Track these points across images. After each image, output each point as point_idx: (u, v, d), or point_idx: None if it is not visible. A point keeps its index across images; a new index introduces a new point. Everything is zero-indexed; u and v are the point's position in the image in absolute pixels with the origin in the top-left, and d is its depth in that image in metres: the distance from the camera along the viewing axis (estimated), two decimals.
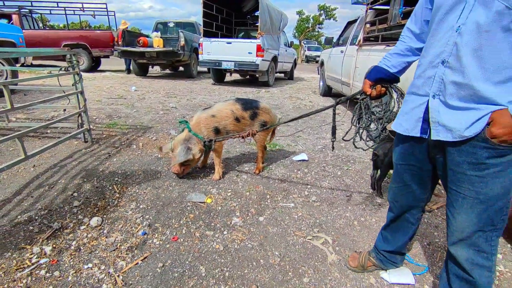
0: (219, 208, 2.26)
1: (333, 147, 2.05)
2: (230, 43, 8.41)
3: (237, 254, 1.78)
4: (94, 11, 11.62)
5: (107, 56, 11.28)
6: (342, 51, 5.81)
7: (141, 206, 2.25)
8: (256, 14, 9.94)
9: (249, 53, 8.07)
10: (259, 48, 7.90)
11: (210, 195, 2.42)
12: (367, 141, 1.72)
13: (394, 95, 1.51)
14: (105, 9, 11.17)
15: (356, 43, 5.00)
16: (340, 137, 1.91)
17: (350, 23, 6.23)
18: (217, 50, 8.36)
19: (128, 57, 10.03)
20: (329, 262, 1.76)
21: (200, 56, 8.66)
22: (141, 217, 2.11)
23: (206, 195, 2.42)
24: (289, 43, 11.36)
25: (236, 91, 8.00)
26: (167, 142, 3.07)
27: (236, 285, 1.56)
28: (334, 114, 1.85)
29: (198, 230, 1.99)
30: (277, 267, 1.70)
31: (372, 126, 1.65)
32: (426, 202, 1.47)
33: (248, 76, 10.36)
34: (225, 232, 1.98)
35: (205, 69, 12.11)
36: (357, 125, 1.69)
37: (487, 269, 1.20)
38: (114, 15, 11.47)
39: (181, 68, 11.20)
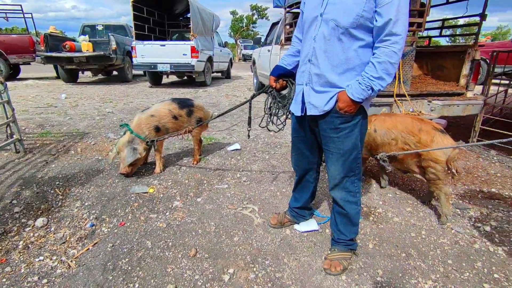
0: (161, 195, 2.55)
1: (248, 136, 2.47)
2: (164, 45, 8.47)
3: (178, 229, 2.11)
4: (6, 12, 10.52)
5: (28, 63, 10.37)
6: (269, 50, 6.38)
7: (86, 204, 2.42)
8: (188, 16, 10.11)
9: (184, 54, 8.25)
10: (193, 50, 8.14)
11: (152, 186, 2.69)
12: (278, 124, 2.16)
13: (292, 86, 1.97)
14: (21, 11, 10.22)
15: (279, 43, 5.58)
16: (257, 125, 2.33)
17: (274, 24, 6.85)
18: (151, 53, 8.37)
19: (54, 63, 9.39)
20: (255, 224, 2.19)
21: (134, 59, 8.56)
22: (87, 213, 2.29)
23: (148, 186, 2.68)
24: (223, 43, 11.74)
25: (174, 93, 8.13)
26: (111, 149, 3.19)
27: (178, 250, 1.89)
28: (250, 107, 2.28)
29: (143, 214, 2.27)
30: (213, 233, 2.07)
31: (280, 112, 2.10)
32: (318, 165, 1.97)
33: (185, 77, 10.49)
34: (167, 214, 2.29)
35: (141, 72, 11.89)
36: (267, 112, 2.13)
37: (354, 204, 1.73)
38: (32, 17, 10.50)
39: (115, 72, 10.83)
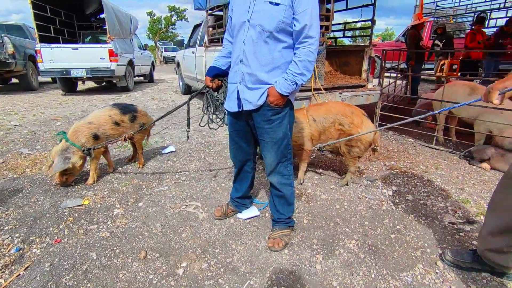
0: (99, 206, 2.45)
1: (188, 137, 2.56)
2: (76, 48, 7.72)
3: (123, 235, 2.09)
4: None
5: None
6: (193, 52, 6.41)
7: (6, 228, 2.18)
8: (101, 16, 9.38)
9: (101, 58, 7.67)
10: (112, 53, 7.63)
11: (87, 197, 2.56)
12: (217, 122, 2.29)
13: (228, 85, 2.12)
14: None
15: (203, 45, 5.68)
16: (196, 126, 2.43)
17: (196, 26, 6.90)
18: (61, 57, 7.54)
19: None
20: (201, 219, 2.29)
21: (40, 64, 7.59)
22: (10, 237, 2.07)
23: (82, 198, 2.54)
24: (144, 45, 11.23)
25: (93, 100, 7.50)
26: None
27: (127, 255, 1.89)
28: (188, 108, 2.36)
29: (81, 227, 2.17)
30: (160, 234, 2.11)
31: (218, 110, 2.24)
32: (254, 155, 2.18)
33: (104, 83, 9.73)
34: (108, 223, 2.23)
35: (48, 79, 10.57)
36: (206, 112, 2.24)
37: (289, 185, 1.98)
38: None
39: (15, 80, 9.40)
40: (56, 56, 7.51)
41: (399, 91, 6.33)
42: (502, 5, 8.32)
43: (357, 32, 5.44)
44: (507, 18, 6.66)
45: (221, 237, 2.08)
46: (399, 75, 6.71)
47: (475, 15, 8.19)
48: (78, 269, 1.77)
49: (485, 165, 3.14)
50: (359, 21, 4.38)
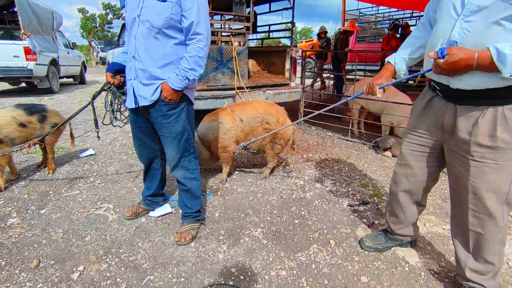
0: None
1: (98, 137, 2.44)
2: None
3: (14, 246, 1.92)
4: None
5: None
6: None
7: None
8: (15, 10, 8.42)
9: (15, 56, 6.90)
10: (28, 51, 6.91)
11: None
12: (122, 120, 2.23)
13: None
14: None
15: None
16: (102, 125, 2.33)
17: (124, 25, 6.59)
18: None
19: None
20: (110, 220, 2.21)
21: None
22: None
23: None
24: (71, 44, 10.37)
25: (6, 103, 6.69)
26: None
27: (15, 267, 1.74)
28: (94, 108, 2.26)
29: None
30: (60, 240, 1.99)
31: (123, 107, 2.17)
32: (161, 152, 2.16)
33: (22, 84, 8.76)
34: None
35: None
36: (109, 109, 2.16)
37: (194, 179, 2.01)
38: None
39: None
40: None
41: (326, 90, 6.82)
42: (411, 14, 9.52)
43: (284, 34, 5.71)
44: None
45: (128, 236, 2.03)
46: (324, 75, 7.25)
47: (391, 22, 9.21)
48: None
49: (387, 153, 3.54)
50: (280, 23, 4.60)
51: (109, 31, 30.68)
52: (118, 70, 2.01)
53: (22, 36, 6.92)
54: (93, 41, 27.08)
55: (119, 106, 2.16)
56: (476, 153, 1.26)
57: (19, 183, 2.76)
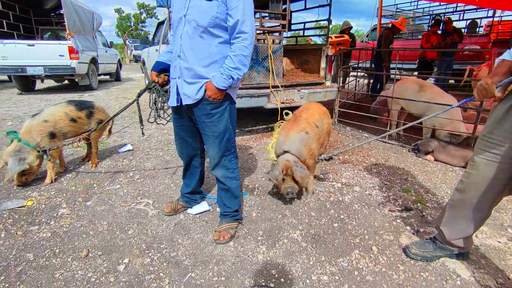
0: (43, 206, 2.36)
1: (143, 133, 2.54)
2: (33, 45, 7.32)
3: (66, 235, 2.03)
4: None
5: None
6: (157, 50, 6.30)
7: None
8: (61, 12, 8.96)
9: (60, 55, 7.33)
10: (72, 50, 7.31)
11: (31, 198, 2.45)
12: (165, 118, 2.27)
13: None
14: None
15: (166, 42, 5.60)
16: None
17: (160, 24, 6.78)
18: (16, 53, 7.12)
19: None
20: (150, 215, 2.27)
21: None
22: None
23: (25, 199, 2.43)
24: (109, 43, 10.86)
25: (52, 99, 7.16)
26: None
27: (68, 255, 1.84)
28: (138, 105, 2.34)
29: (21, 229, 2.08)
30: (106, 232, 2.07)
31: (166, 105, 2.22)
32: (202, 150, 2.19)
33: (66, 81, 9.31)
34: (51, 223, 2.15)
35: (4, 77, 9.97)
36: (153, 107, 2.22)
37: (234, 179, 2.02)
38: None
39: None
40: (9, 53, 7.09)
41: (361, 89, 6.60)
42: (455, 9, 8.88)
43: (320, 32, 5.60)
44: (464, 22, 7.17)
45: (168, 232, 2.08)
46: (362, 74, 7.00)
47: (431, 18, 8.67)
48: (11, 272, 1.70)
49: (429, 157, 3.36)
50: (315, 21, 4.51)
51: (142, 30, 31.83)
52: (162, 69, 2.05)
53: (67, 36, 7.34)
54: (127, 39, 28.22)
55: (162, 104, 2.21)
56: None
57: (67, 175, 2.92)
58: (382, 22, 7.39)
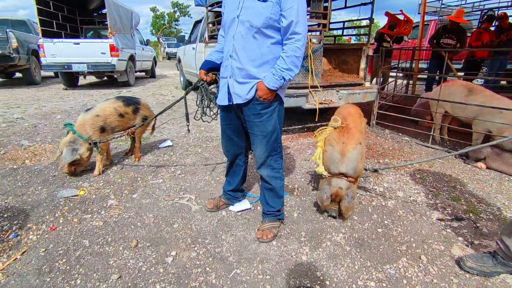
0: (93, 196, 2.50)
1: (188, 130, 2.61)
2: (78, 43, 7.79)
3: (116, 225, 2.14)
4: None
5: None
6: (193, 48, 6.45)
7: (5, 215, 2.24)
8: (103, 11, 9.43)
9: (102, 53, 7.73)
10: (113, 48, 7.68)
11: (83, 188, 2.61)
12: (211, 115, 2.32)
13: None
14: None
15: (203, 41, 5.71)
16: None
17: (197, 23, 6.93)
18: (63, 51, 7.61)
19: None
20: (193, 211, 2.34)
21: (42, 59, 7.66)
22: (8, 224, 2.14)
23: (78, 189, 2.59)
24: (145, 41, 11.28)
25: (94, 94, 7.57)
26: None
27: (119, 244, 1.94)
28: (185, 103, 2.40)
29: (76, 216, 2.22)
30: (152, 224, 2.16)
31: (212, 104, 2.26)
32: (246, 149, 2.21)
33: (105, 78, 9.80)
34: (102, 213, 2.28)
35: (51, 73, 10.68)
36: (200, 105, 2.28)
37: (279, 179, 2.02)
38: None
39: (18, 74, 9.49)
40: (58, 51, 7.58)
41: (400, 91, 6.34)
42: (510, 3, 8.11)
43: (358, 31, 5.43)
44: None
45: (211, 228, 2.12)
46: (399, 74, 6.70)
47: (482, 13, 7.96)
48: (71, 255, 1.82)
49: (480, 164, 3.16)
50: (356, 20, 4.39)
51: (175, 28, 32.74)
52: (211, 68, 2.09)
53: (108, 35, 7.71)
54: (161, 37, 29.14)
55: (209, 102, 2.25)
56: None
57: (112, 168, 3.08)
58: (425, 19, 6.90)
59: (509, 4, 8.16)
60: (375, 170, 2.59)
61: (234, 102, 1.84)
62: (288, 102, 3.57)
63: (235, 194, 2.36)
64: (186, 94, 2.31)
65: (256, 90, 1.77)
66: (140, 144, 3.32)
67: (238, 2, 1.73)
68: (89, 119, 2.75)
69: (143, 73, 11.91)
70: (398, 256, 1.85)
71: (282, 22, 1.68)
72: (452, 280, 1.67)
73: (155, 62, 12.42)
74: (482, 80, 6.64)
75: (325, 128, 2.31)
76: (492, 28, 6.61)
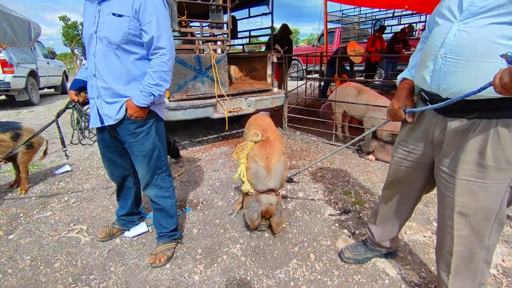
0: None
1: (67, 156, 2.36)
2: None
3: None
4: None
5: None
6: None
7: None
8: None
9: None
10: (5, 64, 6.72)
11: None
12: (91, 138, 2.13)
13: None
14: None
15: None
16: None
17: None
18: None
19: None
20: (82, 243, 2.11)
21: None
22: None
23: None
24: (51, 54, 10.14)
25: None
26: None
27: None
28: (59, 127, 2.16)
29: None
30: (28, 268, 1.88)
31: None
32: (134, 169, 2.08)
33: (2, 97, 8.51)
34: None
35: None
36: (76, 127, 2.07)
37: (168, 198, 1.94)
38: None
39: None
40: None
41: (311, 94, 6.81)
42: (392, 14, 9.64)
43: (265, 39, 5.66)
44: (402, 26, 7.83)
45: (101, 260, 1.94)
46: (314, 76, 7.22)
47: (374, 23, 9.29)
48: None
49: (371, 156, 3.52)
50: (259, 29, 4.56)
51: None
52: (81, 87, 1.92)
53: None
54: (76, 48, 26.60)
55: (86, 124, 2.07)
56: (463, 171, 1.17)
57: None
58: (329, 27, 7.75)
59: (392, 15, 9.67)
60: (290, 179, 2.67)
61: (105, 124, 1.72)
62: (196, 113, 3.52)
63: (130, 218, 2.21)
64: (58, 117, 2.11)
65: (126, 109, 1.67)
66: (27, 174, 2.91)
67: (94, 16, 1.62)
68: None
69: (52, 90, 10.68)
70: (290, 259, 1.92)
71: (143, 37, 1.61)
72: (333, 273, 1.79)
73: (66, 76, 11.25)
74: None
75: (246, 144, 2.26)
76: (384, 36, 7.79)
